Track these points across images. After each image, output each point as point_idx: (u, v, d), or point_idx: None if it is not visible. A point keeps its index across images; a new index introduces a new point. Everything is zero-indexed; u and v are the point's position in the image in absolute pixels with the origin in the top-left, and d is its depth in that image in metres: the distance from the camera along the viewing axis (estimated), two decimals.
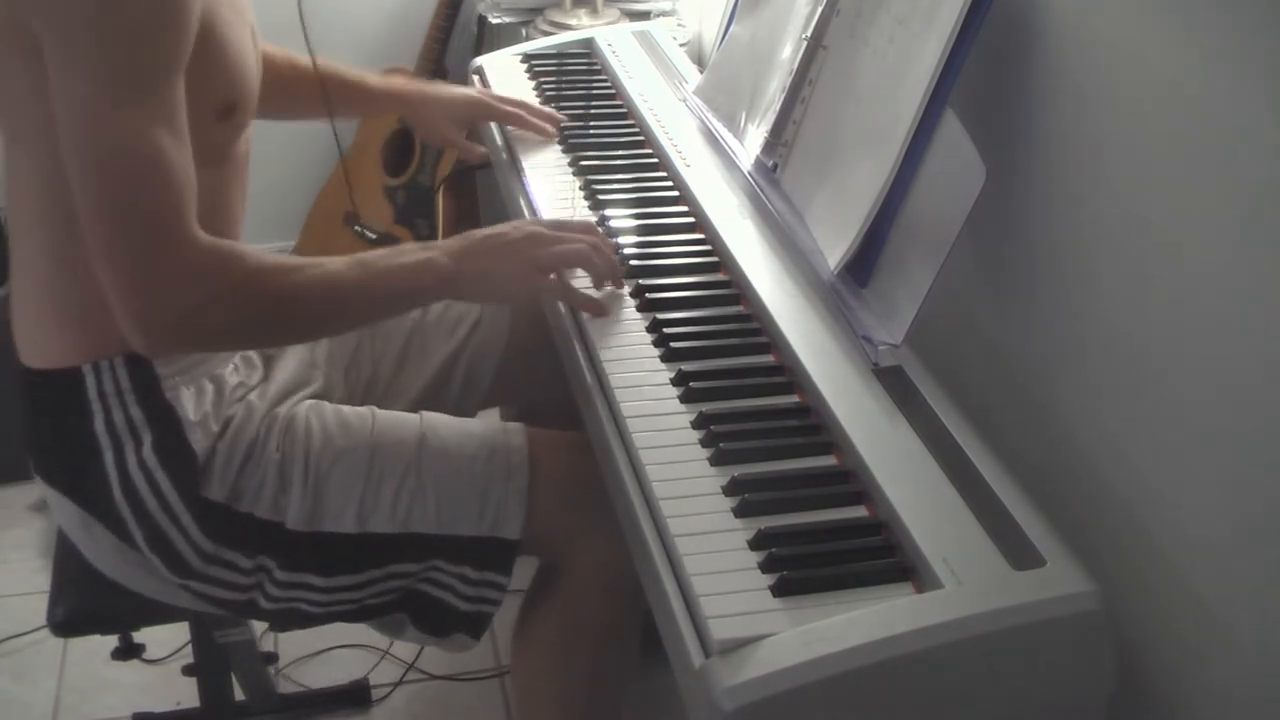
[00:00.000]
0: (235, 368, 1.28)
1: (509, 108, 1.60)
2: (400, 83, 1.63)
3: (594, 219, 1.41)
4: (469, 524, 1.23)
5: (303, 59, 1.50)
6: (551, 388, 1.37)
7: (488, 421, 1.31)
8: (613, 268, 1.25)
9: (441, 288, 1.21)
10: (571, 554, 1.27)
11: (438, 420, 1.29)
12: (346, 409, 1.29)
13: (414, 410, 1.33)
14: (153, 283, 1.06)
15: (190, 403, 1.21)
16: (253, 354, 1.33)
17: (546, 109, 1.63)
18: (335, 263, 1.16)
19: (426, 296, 1.29)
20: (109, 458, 1.19)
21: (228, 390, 1.25)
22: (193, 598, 1.27)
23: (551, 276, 1.23)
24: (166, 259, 1.06)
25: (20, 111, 1.10)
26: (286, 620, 1.30)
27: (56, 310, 1.18)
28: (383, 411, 1.29)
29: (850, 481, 1.03)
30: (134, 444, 1.19)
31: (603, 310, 1.24)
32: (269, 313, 1.13)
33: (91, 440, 1.19)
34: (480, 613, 1.26)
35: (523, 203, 1.47)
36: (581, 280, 1.27)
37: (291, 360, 1.34)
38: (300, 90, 1.51)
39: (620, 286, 1.27)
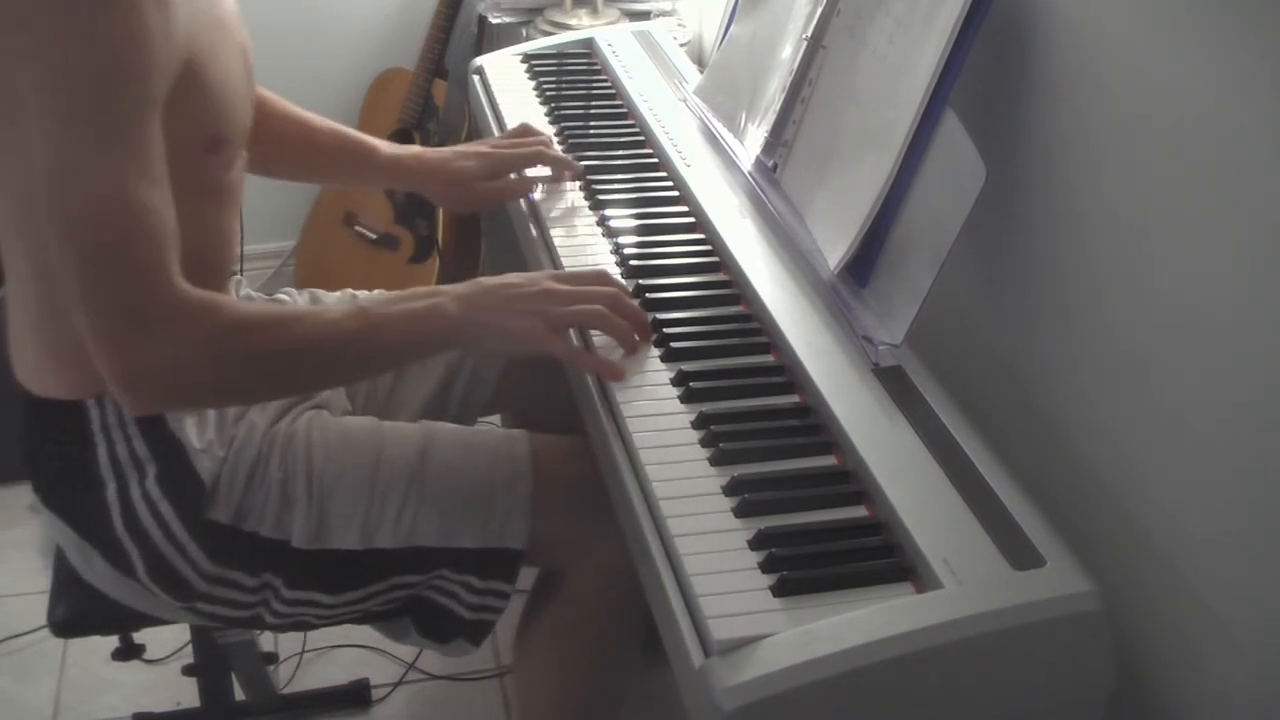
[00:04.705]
0: None
1: (525, 149, 1.48)
2: (409, 157, 1.47)
3: (594, 219, 1.41)
4: (474, 536, 1.22)
5: (314, 118, 1.44)
6: (553, 389, 1.37)
7: (491, 430, 1.30)
8: (637, 323, 1.18)
9: (447, 338, 1.16)
10: (574, 560, 1.26)
11: (440, 431, 1.28)
12: (349, 420, 1.27)
13: (417, 418, 1.32)
14: (136, 343, 1.01)
15: (194, 431, 1.19)
16: None
17: (563, 158, 1.49)
18: (331, 313, 1.11)
19: (431, 348, 1.24)
20: (112, 490, 1.18)
21: (230, 412, 1.23)
22: (196, 616, 1.27)
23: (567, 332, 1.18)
24: (149, 317, 1.01)
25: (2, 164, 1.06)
26: (290, 629, 1.31)
27: (52, 349, 1.15)
28: (385, 423, 1.28)
29: (850, 481, 1.03)
30: (138, 477, 1.17)
31: (617, 374, 1.14)
32: (247, 370, 1.08)
33: (94, 472, 1.17)
34: (483, 621, 1.26)
35: (523, 203, 1.47)
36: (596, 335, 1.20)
37: None
38: (308, 153, 1.46)
39: (647, 340, 1.19)
